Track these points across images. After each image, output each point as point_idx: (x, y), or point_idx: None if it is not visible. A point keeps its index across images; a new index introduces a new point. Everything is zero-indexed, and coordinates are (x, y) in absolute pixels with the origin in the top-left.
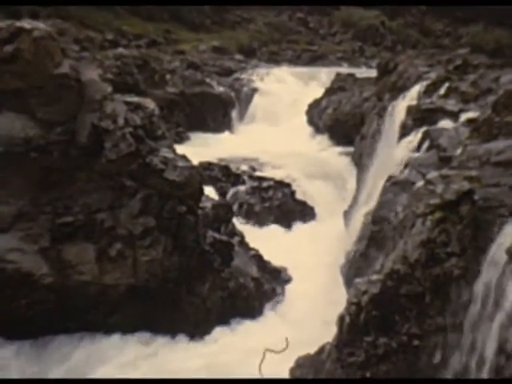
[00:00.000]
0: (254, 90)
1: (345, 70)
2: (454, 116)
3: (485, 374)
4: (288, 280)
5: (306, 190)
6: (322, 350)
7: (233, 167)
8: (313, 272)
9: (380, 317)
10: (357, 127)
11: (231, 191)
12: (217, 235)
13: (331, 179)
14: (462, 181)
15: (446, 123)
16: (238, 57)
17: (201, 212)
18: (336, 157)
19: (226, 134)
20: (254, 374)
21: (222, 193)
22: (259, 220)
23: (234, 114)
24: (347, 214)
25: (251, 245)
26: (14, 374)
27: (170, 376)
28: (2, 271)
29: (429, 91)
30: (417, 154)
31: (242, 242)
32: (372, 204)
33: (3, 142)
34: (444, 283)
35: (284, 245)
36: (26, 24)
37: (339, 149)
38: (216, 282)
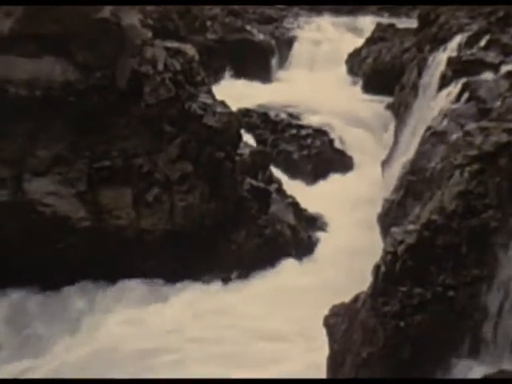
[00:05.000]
0: (295, 38)
1: (385, 20)
2: (494, 68)
3: None
4: (324, 228)
5: (345, 138)
6: (356, 298)
7: (271, 114)
8: (349, 221)
9: (415, 267)
10: (396, 77)
11: (269, 138)
12: (254, 182)
13: (370, 129)
14: (500, 133)
15: (485, 75)
16: (279, 5)
17: (238, 158)
18: (375, 106)
19: (266, 81)
20: (286, 321)
21: (261, 140)
22: (297, 168)
23: (274, 61)
24: (385, 164)
25: (288, 192)
26: (42, 320)
27: (199, 323)
28: (39, 214)
29: (469, 43)
30: (456, 106)
31: (279, 190)
32: (410, 154)
33: (43, 86)
34: (480, 235)
35: (322, 193)
36: None
37: (378, 98)
38: (252, 229)
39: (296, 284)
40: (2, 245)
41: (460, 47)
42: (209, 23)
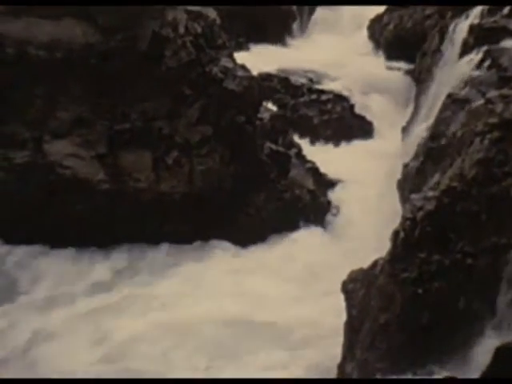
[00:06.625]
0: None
1: None
2: None
3: None
4: (344, 193)
5: (365, 104)
6: (375, 264)
7: (292, 79)
8: (369, 186)
9: (434, 233)
10: (418, 44)
11: (290, 103)
12: (274, 146)
13: (390, 95)
14: None
15: (508, 43)
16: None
17: (259, 123)
18: (396, 73)
19: (287, 45)
20: (305, 283)
21: (281, 104)
22: (317, 132)
23: (295, 26)
24: (405, 130)
25: (308, 157)
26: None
27: (217, 286)
28: (59, 176)
29: (493, 10)
30: (477, 73)
31: (299, 154)
32: (430, 120)
33: (64, 48)
34: (500, 202)
35: (341, 158)
36: None
37: (399, 65)
38: (272, 193)
39: (314, 249)
40: (23, 206)
41: (482, 14)
42: None
